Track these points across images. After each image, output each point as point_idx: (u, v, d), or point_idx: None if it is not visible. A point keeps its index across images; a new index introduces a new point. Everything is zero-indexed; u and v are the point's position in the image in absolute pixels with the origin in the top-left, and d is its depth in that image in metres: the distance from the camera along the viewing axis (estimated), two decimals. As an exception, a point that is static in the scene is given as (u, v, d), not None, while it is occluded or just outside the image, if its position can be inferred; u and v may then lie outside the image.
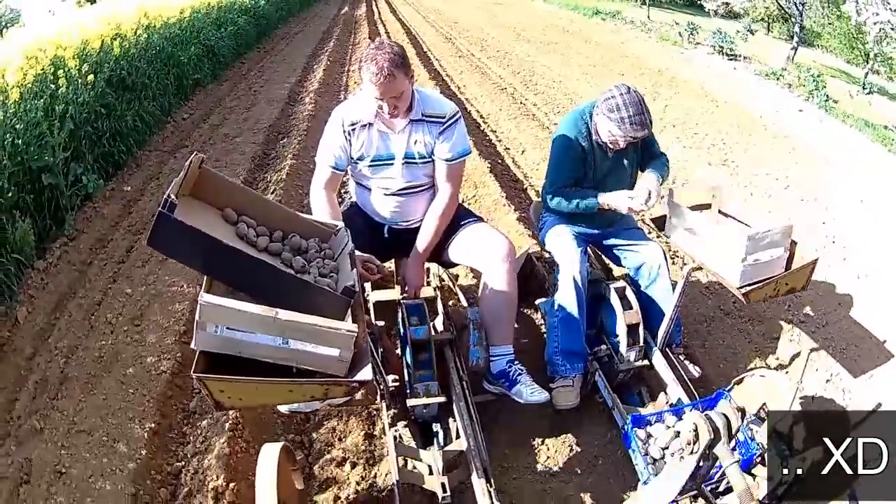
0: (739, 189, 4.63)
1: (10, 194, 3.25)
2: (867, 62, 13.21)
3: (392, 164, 2.17)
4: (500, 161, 4.98)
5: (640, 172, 2.43)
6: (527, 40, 11.10)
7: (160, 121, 5.65)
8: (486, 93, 7.27)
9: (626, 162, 2.39)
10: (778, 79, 9.11)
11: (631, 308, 2.33)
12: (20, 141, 3.44)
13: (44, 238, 3.53)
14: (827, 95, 8.16)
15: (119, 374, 2.56)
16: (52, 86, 3.97)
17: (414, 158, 2.17)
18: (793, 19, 14.46)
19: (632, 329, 2.31)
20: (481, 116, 6.33)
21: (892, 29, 11.86)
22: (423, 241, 2.22)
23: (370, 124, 2.13)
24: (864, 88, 11.09)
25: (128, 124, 4.87)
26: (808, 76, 8.82)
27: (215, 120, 6.06)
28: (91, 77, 4.29)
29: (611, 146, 2.30)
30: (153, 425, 2.33)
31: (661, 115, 6.10)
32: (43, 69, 4.01)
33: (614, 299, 2.34)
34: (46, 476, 2.13)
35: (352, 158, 2.18)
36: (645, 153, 2.44)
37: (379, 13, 16.03)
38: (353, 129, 2.13)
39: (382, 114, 2.08)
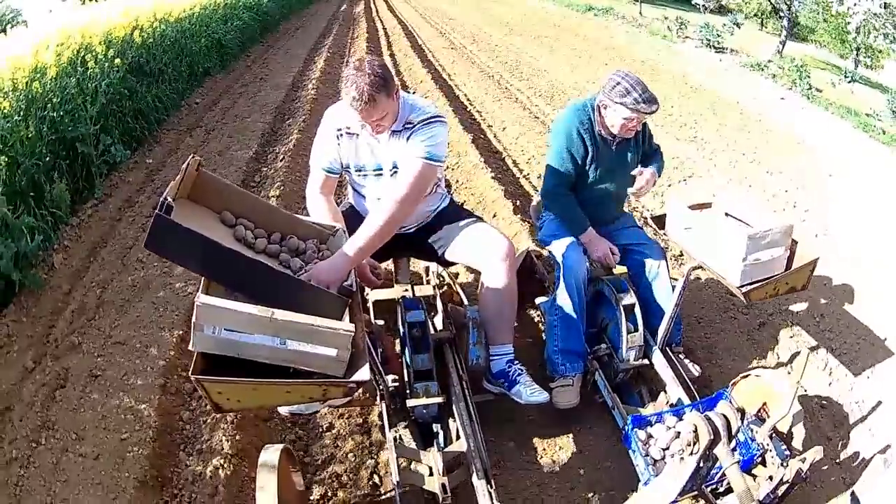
0: (704, 161, 4.95)
1: (47, 159, 3.70)
2: (854, 52, 13.55)
3: (381, 174, 2.09)
4: (482, 136, 5.44)
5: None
6: (518, 34, 11.48)
7: (175, 104, 6.15)
8: (474, 79, 7.70)
9: (629, 156, 2.36)
10: (762, 70, 9.42)
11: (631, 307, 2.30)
12: (55, 114, 3.92)
13: (76, 200, 3.97)
14: (810, 84, 8.41)
15: (151, 297, 2.98)
16: (80, 68, 4.47)
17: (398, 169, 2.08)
18: (781, 13, 14.83)
19: (631, 328, 2.28)
20: (468, 99, 6.76)
21: (877, 17, 12.22)
22: (353, 243, 1.72)
23: (357, 134, 2.05)
24: (845, 77, 11.45)
25: (148, 105, 5.37)
26: (792, 66, 9.18)
27: (226, 103, 6.51)
28: (118, 61, 4.79)
29: (623, 135, 2.25)
30: (181, 332, 2.71)
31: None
32: (72, 53, 4.51)
33: (614, 299, 2.32)
34: (82, 380, 2.39)
35: (342, 164, 2.12)
36: (644, 147, 2.43)
37: (377, 10, 16.35)
38: (342, 135, 2.05)
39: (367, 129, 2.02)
